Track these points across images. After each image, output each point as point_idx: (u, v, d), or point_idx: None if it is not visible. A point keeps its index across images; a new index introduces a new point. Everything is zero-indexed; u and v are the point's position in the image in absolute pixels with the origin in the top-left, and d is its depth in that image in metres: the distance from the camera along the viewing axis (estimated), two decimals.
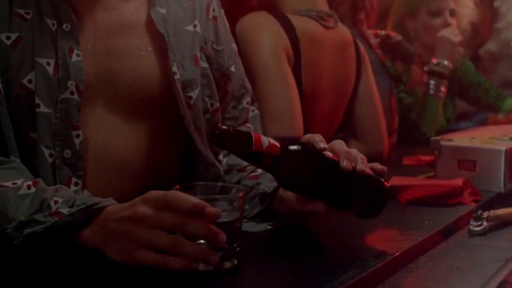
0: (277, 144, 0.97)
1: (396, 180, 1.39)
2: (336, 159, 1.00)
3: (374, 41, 2.05)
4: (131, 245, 0.86)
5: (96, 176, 1.10)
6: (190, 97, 1.13)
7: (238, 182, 1.19)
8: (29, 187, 0.98)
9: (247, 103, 1.27)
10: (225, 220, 0.88)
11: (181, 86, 1.12)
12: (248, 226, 1.08)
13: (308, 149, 0.99)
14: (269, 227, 1.09)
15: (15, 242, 0.93)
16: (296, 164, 0.98)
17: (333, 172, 0.99)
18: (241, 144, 0.95)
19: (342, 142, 1.03)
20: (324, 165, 1.00)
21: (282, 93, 1.49)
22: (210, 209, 0.84)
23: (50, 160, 1.04)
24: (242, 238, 0.92)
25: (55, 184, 1.04)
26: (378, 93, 1.86)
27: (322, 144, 0.99)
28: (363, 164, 1.00)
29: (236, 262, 0.91)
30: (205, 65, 1.16)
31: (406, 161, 1.79)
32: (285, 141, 0.99)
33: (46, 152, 1.04)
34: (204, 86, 1.16)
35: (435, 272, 0.98)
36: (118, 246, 0.88)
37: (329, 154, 1.01)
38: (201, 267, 0.87)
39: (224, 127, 0.94)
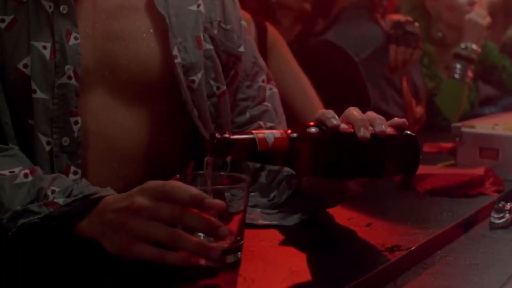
0: (284, 135, 0.91)
1: None
2: (353, 130, 0.92)
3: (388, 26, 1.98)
4: (128, 237, 0.82)
5: (97, 165, 1.06)
6: (193, 81, 1.08)
7: (262, 167, 1.13)
8: (26, 175, 0.94)
9: (263, 81, 1.21)
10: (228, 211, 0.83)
11: (183, 70, 1.07)
12: (278, 219, 1.03)
13: (320, 130, 0.92)
14: (303, 217, 1.03)
15: (9, 233, 0.90)
16: (311, 151, 0.91)
17: (355, 145, 0.92)
18: (245, 148, 0.88)
19: (355, 108, 0.96)
20: (342, 142, 0.92)
21: None
22: (210, 201, 0.79)
23: (47, 148, 1.00)
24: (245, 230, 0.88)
25: (53, 173, 1.00)
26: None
27: (335, 120, 0.92)
28: (382, 125, 0.93)
29: (239, 255, 0.86)
30: (209, 46, 1.11)
31: (426, 148, 1.74)
32: (294, 129, 0.93)
33: (43, 139, 1.00)
34: (208, 68, 1.11)
35: (452, 268, 0.92)
36: (115, 238, 0.84)
37: (344, 127, 0.93)
38: (202, 262, 0.82)
39: (224, 135, 0.87)
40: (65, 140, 1.01)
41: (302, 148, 0.91)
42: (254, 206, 1.08)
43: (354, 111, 0.95)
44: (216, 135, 0.87)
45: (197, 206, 0.80)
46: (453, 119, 2.06)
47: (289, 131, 0.92)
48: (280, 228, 1.01)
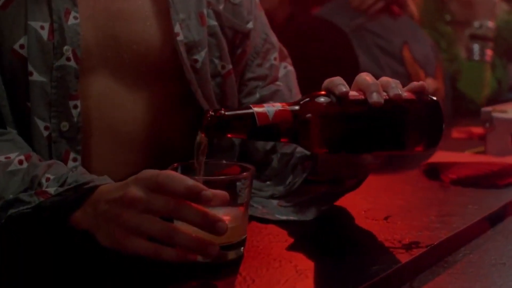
0: (286, 108, 0.82)
1: (439, 157, 1.27)
2: (365, 96, 0.83)
3: None
4: (121, 230, 0.77)
5: (98, 151, 1.01)
6: (196, 60, 1.02)
7: (274, 149, 1.07)
8: (20, 162, 0.90)
9: (275, 59, 1.13)
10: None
11: (185, 49, 1.01)
12: (295, 214, 0.96)
13: (328, 99, 0.83)
14: (323, 208, 0.96)
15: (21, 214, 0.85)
16: (318, 123, 0.82)
17: (368, 114, 0.83)
18: (242, 123, 0.80)
19: (367, 74, 0.87)
20: (353, 111, 0.83)
21: None
22: (208, 193, 0.73)
23: (45, 133, 0.96)
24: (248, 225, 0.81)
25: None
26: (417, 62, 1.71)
27: (344, 87, 0.83)
28: (397, 89, 0.84)
29: (242, 251, 0.80)
30: (213, 22, 1.05)
31: (455, 133, 1.66)
32: (298, 100, 0.84)
33: (41, 124, 0.96)
34: (212, 46, 1.05)
35: (476, 267, 0.84)
36: (109, 231, 0.79)
37: (354, 94, 0.84)
38: (200, 258, 0.76)
39: (219, 112, 0.79)
40: (64, 125, 0.96)
41: (307, 120, 0.82)
42: (271, 196, 1.02)
43: (365, 76, 0.86)
44: (210, 111, 0.80)
45: (193, 199, 0.74)
46: (480, 101, 1.98)
47: (293, 103, 0.83)
48: (285, 221, 0.94)
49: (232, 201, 0.78)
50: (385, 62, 1.80)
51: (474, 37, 2.08)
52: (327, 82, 0.85)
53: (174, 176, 0.75)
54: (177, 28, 1.00)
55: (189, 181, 0.74)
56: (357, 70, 1.71)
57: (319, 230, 0.90)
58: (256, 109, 0.80)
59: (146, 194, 0.75)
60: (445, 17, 2.20)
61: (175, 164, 0.82)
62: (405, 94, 0.86)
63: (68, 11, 0.95)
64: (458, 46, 2.17)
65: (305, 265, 0.79)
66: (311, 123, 0.82)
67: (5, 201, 0.86)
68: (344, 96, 0.82)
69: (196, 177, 0.77)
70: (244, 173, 0.80)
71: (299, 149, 1.00)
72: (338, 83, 0.84)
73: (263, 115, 0.80)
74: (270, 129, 0.81)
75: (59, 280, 0.76)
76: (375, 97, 0.83)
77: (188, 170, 0.81)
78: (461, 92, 2.09)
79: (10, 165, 0.89)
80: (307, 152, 0.97)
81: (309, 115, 0.82)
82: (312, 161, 0.98)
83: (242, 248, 0.80)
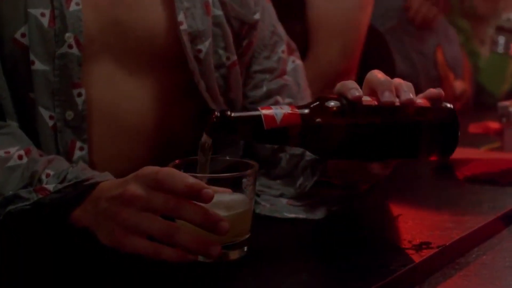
0: (295, 111, 0.78)
1: (454, 152, 1.22)
2: (378, 102, 0.80)
3: None
4: (120, 229, 0.75)
5: (103, 141, 0.99)
6: (199, 51, 1.00)
7: (282, 149, 1.04)
8: (20, 157, 0.88)
9: (283, 51, 1.10)
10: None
11: (189, 38, 0.98)
12: (304, 212, 0.93)
13: (340, 103, 0.79)
14: (333, 208, 0.93)
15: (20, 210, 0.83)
16: (329, 128, 0.78)
17: (381, 121, 0.80)
18: (249, 126, 0.77)
19: (379, 71, 0.83)
20: (365, 118, 0.79)
21: None
22: (209, 191, 0.70)
23: (50, 123, 0.94)
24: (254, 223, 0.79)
25: (58, 151, 0.94)
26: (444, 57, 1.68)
27: (357, 91, 0.79)
28: (409, 93, 0.80)
29: (245, 250, 0.78)
30: (219, 12, 1.02)
31: (472, 128, 1.62)
32: (309, 104, 0.80)
33: (46, 114, 0.94)
34: (217, 37, 1.02)
35: (489, 269, 0.81)
36: (108, 229, 0.77)
37: (367, 99, 0.80)
38: (201, 258, 0.74)
39: (225, 113, 0.76)
40: (69, 114, 0.94)
41: (317, 125, 0.78)
42: (280, 195, 1.00)
43: (377, 73, 0.82)
44: (215, 112, 0.77)
45: (193, 197, 0.71)
46: (499, 95, 1.94)
47: (302, 106, 0.80)
48: (297, 219, 0.91)
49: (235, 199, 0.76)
50: (421, 65, 1.77)
51: (500, 29, 2.04)
52: (339, 85, 0.82)
53: (174, 174, 0.72)
54: (181, 17, 0.98)
55: (189, 178, 0.71)
56: (393, 71, 1.67)
57: (326, 229, 0.87)
58: (264, 112, 0.77)
59: (146, 192, 0.73)
60: (468, 10, 2.17)
61: (177, 161, 0.80)
62: (420, 100, 0.82)
63: None
64: (475, 40, 2.14)
65: (313, 266, 0.77)
66: (321, 129, 0.79)
67: (4, 198, 0.84)
68: (356, 101, 0.79)
69: (198, 175, 0.74)
70: (248, 170, 0.78)
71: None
72: (351, 87, 0.80)
73: (271, 118, 0.76)
74: (278, 133, 0.77)
75: (58, 279, 0.75)
76: (387, 96, 0.79)
77: (190, 167, 0.79)
78: (480, 85, 2.05)
79: (10, 160, 0.87)
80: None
81: (318, 120, 0.79)
82: (322, 165, 0.95)
83: (246, 247, 0.78)
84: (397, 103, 0.80)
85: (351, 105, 0.79)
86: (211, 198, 0.70)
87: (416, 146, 0.83)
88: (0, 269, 0.77)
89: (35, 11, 0.92)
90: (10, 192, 0.84)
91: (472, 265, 0.82)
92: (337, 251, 0.81)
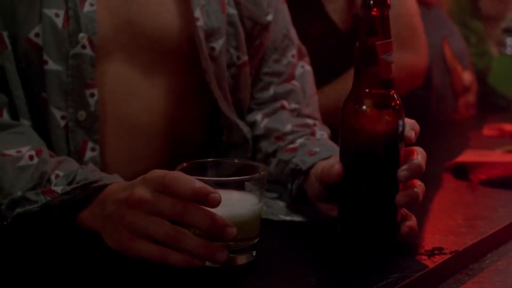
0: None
1: (469, 156, 1.21)
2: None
3: None
4: (127, 233, 0.74)
5: (115, 141, 0.99)
6: (213, 49, 0.99)
7: (275, 153, 1.04)
8: (31, 157, 0.87)
9: (293, 56, 1.09)
10: None
11: (204, 35, 0.98)
12: (301, 216, 0.92)
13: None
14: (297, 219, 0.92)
15: (4, 223, 0.83)
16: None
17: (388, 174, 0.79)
18: None
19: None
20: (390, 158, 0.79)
21: None
22: (216, 195, 0.69)
23: (62, 123, 0.94)
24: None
25: (69, 151, 0.94)
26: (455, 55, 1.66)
27: (413, 134, 0.81)
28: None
29: (254, 255, 0.76)
30: (233, 11, 1.01)
31: (486, 130, 1.60)
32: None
33: (58, 114, 0.94)
34: (230, 36, 1.02)
35: (503, 276, 0.80)
36: (115, 232, 0.76)
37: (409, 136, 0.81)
38: (208, 263, 0.73)
39: None
40: (81, 115, 0.94)
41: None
42: (278, 198, 0.99)
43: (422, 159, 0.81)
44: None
45: (200, 202, 0.70)
46: (511, 96, 1.92)
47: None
48: (303, 223, 0.90)
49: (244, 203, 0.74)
50: (434, 60, 1.75)
51: (507, 31, 2.02)
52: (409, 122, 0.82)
53: (181, 178, 0.71)
54: (197, 13, 0.97)
55: (196, 183, 0.70)
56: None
57: (335, 234, 0.85)
58: None
59: (153, 196, 0.72)
60: (477, 12, 2.14)
61: (184, 164, 0.78)
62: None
63: None
64: (488, 41, 2.11)
65: (322, 271, 0.75)
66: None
67: (12, 199, 0.83)
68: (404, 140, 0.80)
69: (206, 178, 0.73)
70: (256, 174, 0.76)
71: (295, 159, 0.97)
72: (411, 128, 0.81)
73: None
74: None
75: (64, 281, 0.74)
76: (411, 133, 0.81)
77: (197, 170, 0.77)
78: (491, 87, 2.02)
79: (21, 160, 0.87)
80: (303, 167, 0.93)
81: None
82: (304, 177, 0.94)
83: (254, 252, 0.77)
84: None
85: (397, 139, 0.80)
86: (219, 202, 0.69)
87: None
88: (7, 269, 0.76)
89: (49, 12, 0.92)
90: (19, 193, 0.83)
91: (485, 271, 0.81)
92: (347, 256, 0.79)
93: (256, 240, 0.77)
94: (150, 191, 0.72)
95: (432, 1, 1.84)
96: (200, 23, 0.97)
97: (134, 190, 0.74)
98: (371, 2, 0.77)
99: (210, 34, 0.98)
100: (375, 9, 0.77)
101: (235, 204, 0.75)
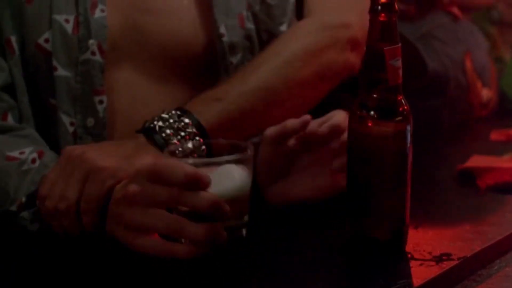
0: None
1: (475, 160, 1.20)
2: None
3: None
4: (129, 231, 0.75)
5: None
6: (231, 63, 1.00)
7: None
8: (33, 161, 0.88)
9: None
10: None
11: (227, 50, 0.99)
12: None
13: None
14: None
15: (30, 230, 0.84)
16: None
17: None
18: None
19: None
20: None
21: None
22: (207, 177, 0.71)
23: (71, 129, 0.95)
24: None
25: None
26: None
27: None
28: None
29: (244, 233, 0.78)
30: (251, 26, 1.02)
31: (494, 135, 1.59)
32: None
33: (67, 120, 0.95)
34: (246, 50, 1.02)
35: (511, 282, 0.79)
36: (118, 231, 0.77)
37: None
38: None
39: None
40: (90, 121, 0.95)
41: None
42: None
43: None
44: None
45: (193, 185, 0.72)
46: None
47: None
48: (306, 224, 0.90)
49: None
50: (453, 72, 1.74)
51: None
52: None
53: (171, 164, 0.73)
54: (222, 29, 0.98)
55: (187, 167, 0.72)
56: (425, 77, 1.65)
57: (339, 237, 0.85)
58: None
59: (147, 187, 0.74)
60: (493, 17, 2.14)
61: (171, 147, 0.81)
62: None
63: (94, 3, 0.94)
64: (504, 46, 2.10)
65: (328, 276, 0.75)
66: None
67: (5, 213, 0.84)
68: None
69: (195, 159, 0.75)
70: (243, 152, 0.78)
71: None
72: None
73: None
74: None
75: (64, 281, 0.75)
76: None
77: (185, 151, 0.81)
78: (502, 91, 2.02)
79: (24, 164, 0.88)
80: None
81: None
82: None
83: (244, 230, 0.78)
84: None
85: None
86: (210, 182, 0.71)
87: None
88: (7, 269, 0.78)
89: (59, 17, 0.93)
90: (23, 199, 0.84)
91: (494, 277, 0.81)
92: (353, 262, 0.79)
93: (246, 219, 0.78)
94: (144, 183, 0.74)
95: (460, 14, 1.83)
96: (225, 38, 0.98)
97: (128, 186, 0.75)
98: (379, 7, 0.77)
99: (231, 49, 0.99)
100: (383, 15, 0.77)
101: (224, 183, 0.76)
